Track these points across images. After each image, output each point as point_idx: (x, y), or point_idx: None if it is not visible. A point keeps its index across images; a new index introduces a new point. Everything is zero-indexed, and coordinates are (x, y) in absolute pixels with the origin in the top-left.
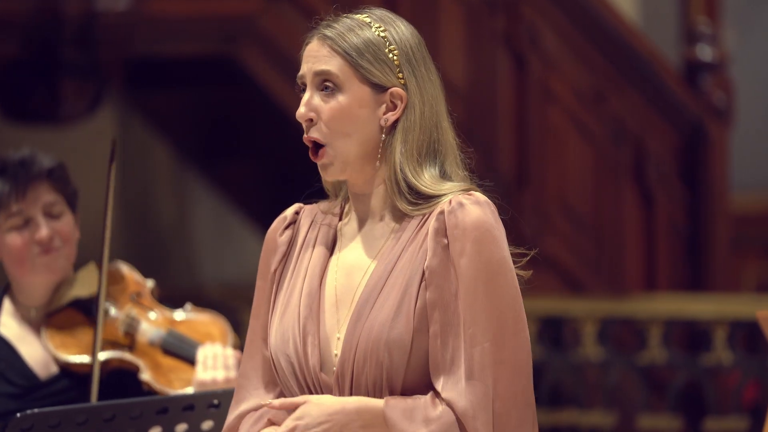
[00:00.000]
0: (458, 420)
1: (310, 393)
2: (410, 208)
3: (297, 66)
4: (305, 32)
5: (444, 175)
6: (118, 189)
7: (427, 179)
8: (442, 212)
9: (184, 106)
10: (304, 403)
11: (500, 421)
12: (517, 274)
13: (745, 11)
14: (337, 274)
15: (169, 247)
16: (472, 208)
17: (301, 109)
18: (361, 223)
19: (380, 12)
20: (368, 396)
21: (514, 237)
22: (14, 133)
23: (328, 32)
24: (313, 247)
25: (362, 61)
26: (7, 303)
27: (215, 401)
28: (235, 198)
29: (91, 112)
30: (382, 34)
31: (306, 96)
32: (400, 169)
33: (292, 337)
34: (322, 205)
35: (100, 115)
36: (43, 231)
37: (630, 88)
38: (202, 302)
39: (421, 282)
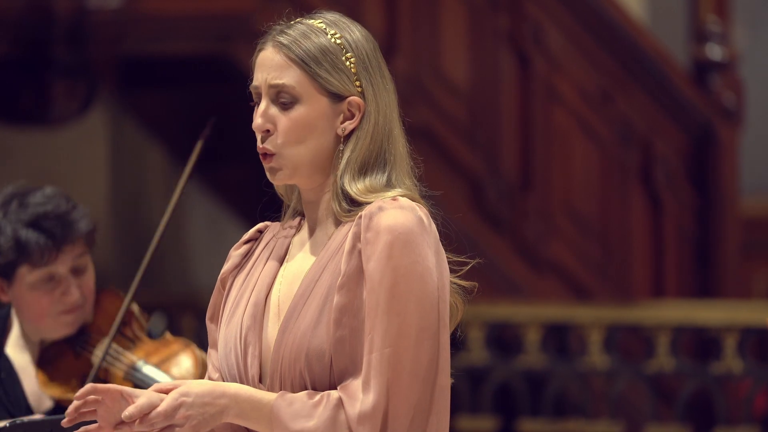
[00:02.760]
0: (348, 423)
1: None
2: (343, 214)
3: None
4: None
5: (389, 185)
6: (109, 192)
7: (359, 187)
8: (361, 216)
9: (178, 106)
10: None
11: (391, 427)
12: (461, 285)
13: (755, 9)
14: (281, 285)
15: (162, 252)
16: (390, 212)
17: (258, 120)
18: (309, 232)
19: (334, 16)
20: None
21: (517, 241)
22: (4, 134)
23: (283, 39)
24: (267, 259)
25: (320, 71)
26: (16, 325)
27: None
28: (231, 202)
29: (83, 113)
30: (338, 41)
31: (262, 106)
32: (341, 176)
33: (234, 347)
34: (285, 220)
35: (91, 116)
36: (74, 294)
37: (637, 88)
38: (198, 309)
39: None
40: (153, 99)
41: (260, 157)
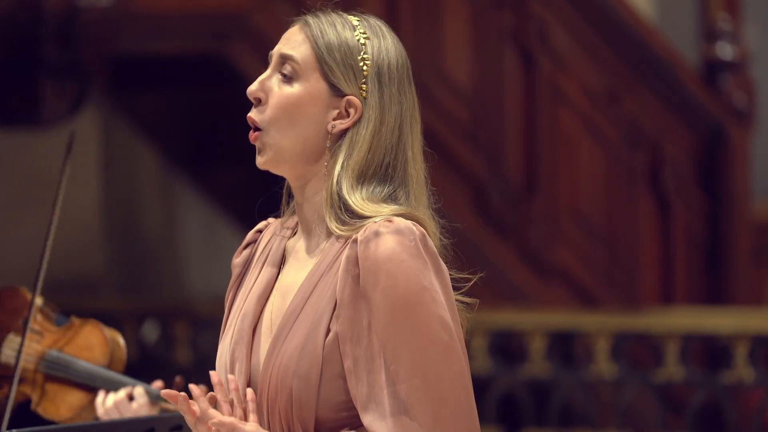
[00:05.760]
0: None
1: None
2: (338, 227)
3: None
4: None
5: (390, 200)
6: (101, 194)
7: (358, 197)
8: (355, 240)
9: (172, 107)
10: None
11: None
12: (464, 302)
13: (767, 7)
14: (275, 298)
15: (155, 257)
16: (387, 238)
17: (253, 86)
18: (303, 240)
19: (375, 21)
20: (282, 429)
21: (522, 246)
22: None
23: (311, 20)
24: (262, 265)
25: (328, 58)
26: None
27: None
28: (226, 205)
29: (73, 114)
30: (361, 41)
31: (264, 73)
32: (336, 182)
33: (224, 363)
34: (284, 218)
35: (82, 116)
36: None
37: (645, 88)
38: (192, 316)
39: (332, 313)
40: (146, 99)
41: (249, 134)
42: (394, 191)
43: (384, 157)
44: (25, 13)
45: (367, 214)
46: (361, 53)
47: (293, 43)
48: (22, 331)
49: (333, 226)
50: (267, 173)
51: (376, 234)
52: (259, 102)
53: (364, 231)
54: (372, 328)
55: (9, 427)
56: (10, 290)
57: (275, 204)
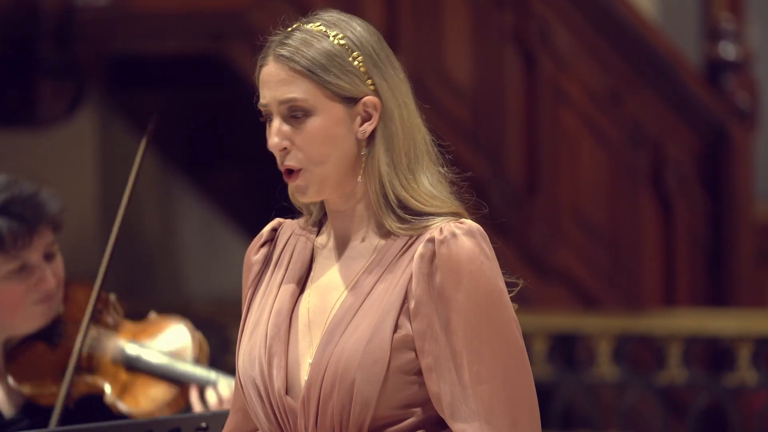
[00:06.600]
0: None
1: (276, 417)
2: (398, 226)
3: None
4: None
5: (438, 184)
6: (98, 196)
7: (420, 192)
8: (431, 240)
9: (170, 108)
10: None
11: None
12: None
13: None
14: (310, 296)
15: (153, 259)
16: (464, 240)
17: (275, 139)
18: (340, 241)
19: (331, 15)
20: (333, 426)
21: (523, 247)
22: None
23: (284, 51)
24: (288, 264)
25: (329, 77)
26: None
27: (203, 424)
28: (225, 207)
29: (70, 115)
30: (341, 42)
31: (275, 124)
32: (389, 183)
33: (258, 357)
34: (301, 220)
35: (79, 117)
36: (50, 282)
37: (648, 88)
38: (190, 317)
39: (401, 309)
40: (143, 100)
41: (284, 175)
42: (425, 167)
43: (415, 136)
44: (22, 13)
45: (429, 210)
46: (349, 54)
47: (284, 84)
48: (86, 317)
49: (393, 226)
50: (266, 174)
51: (454, 235)
52: (284, 150)
53: (440, 231)
54: (452, 328)
55: (75, 417)
56: (81, 284)
57: (275, 204)
